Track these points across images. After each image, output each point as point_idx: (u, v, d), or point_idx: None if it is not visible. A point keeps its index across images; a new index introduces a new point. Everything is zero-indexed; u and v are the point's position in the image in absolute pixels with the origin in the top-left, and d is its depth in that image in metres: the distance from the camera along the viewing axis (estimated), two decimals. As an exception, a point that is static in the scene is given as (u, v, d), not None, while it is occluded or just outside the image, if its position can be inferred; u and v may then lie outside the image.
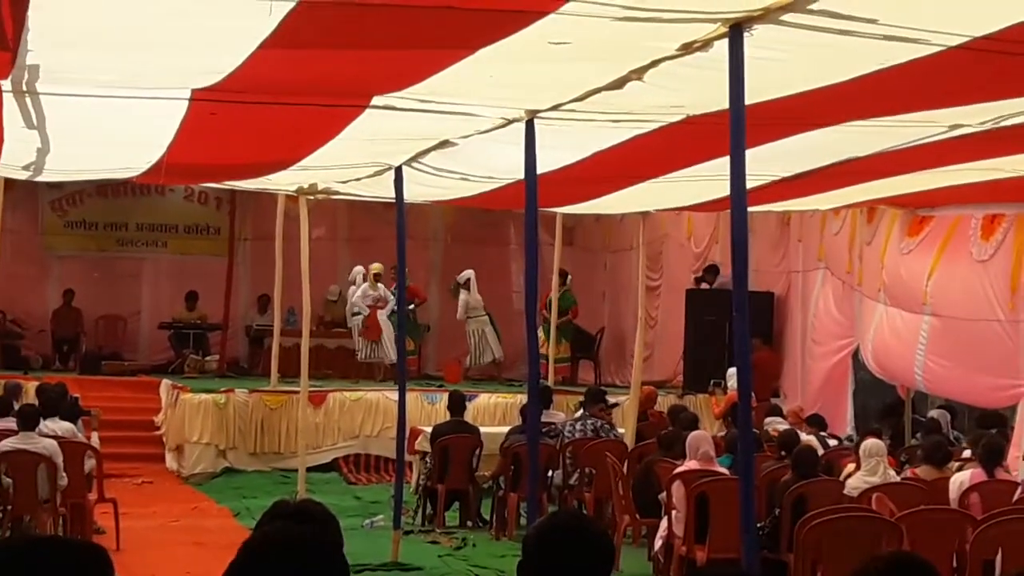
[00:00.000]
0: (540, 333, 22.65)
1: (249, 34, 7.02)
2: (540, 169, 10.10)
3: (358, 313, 23.66)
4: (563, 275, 23.72)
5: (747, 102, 7.03)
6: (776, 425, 15.45)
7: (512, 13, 6.55)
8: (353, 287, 23.89)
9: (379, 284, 23.39)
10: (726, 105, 7.08)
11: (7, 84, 8.52)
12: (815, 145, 10.84)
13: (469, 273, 24.56)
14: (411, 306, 24.00)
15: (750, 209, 10.84)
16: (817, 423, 15.79)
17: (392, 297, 22.79)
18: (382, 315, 23.24)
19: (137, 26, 7.16)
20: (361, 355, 23.65)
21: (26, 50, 7.43)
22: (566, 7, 6.28)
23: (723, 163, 7.49)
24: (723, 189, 7.72)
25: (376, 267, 23.32)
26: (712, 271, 22.09)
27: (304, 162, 12.05)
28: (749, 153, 7.27)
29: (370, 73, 8.18)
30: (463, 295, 24.46)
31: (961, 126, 9.47)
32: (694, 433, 12.92)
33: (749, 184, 7.53)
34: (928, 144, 10.45)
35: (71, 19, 6.91)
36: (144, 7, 6.74)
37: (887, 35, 6.54)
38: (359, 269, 24.02)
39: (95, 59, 8.06)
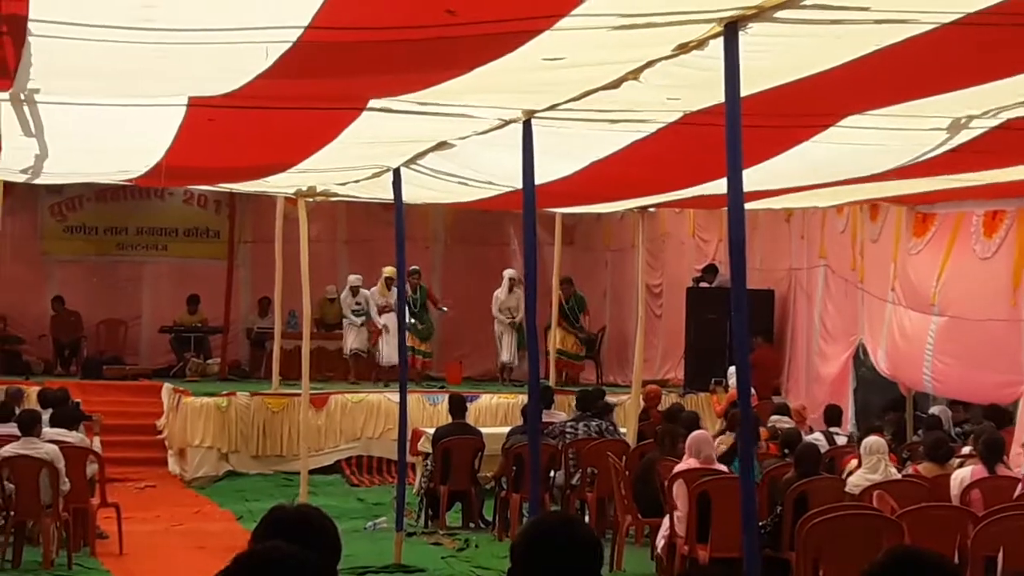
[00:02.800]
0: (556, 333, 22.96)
1: (245, 70, 7.07)
2: (538, 180, 10.10)
3: (361, 314, 23.70)
4: (569, 280, 23.73)
5: (743, 94, 7.04)
6: (782, 424, 15.45)
7: (507, 35, 6.55)
8: (362, 289, 23.83)
9: (394, 288, 23.21)
10: (722, 99, 7.08)
11: (4, 95, 8.54)
12: (816, 166, 10.88)
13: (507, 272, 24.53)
14: (444, 309, 24.10)
15: (750, 206, 10.93)
16: (832, 418, 15.77)
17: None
18: (388, 318, 23.13)
19: (134, 69, 7.23)
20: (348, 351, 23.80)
21: (27, 78, 7.47)
22: (561, 23, 6.30)
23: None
24: (723, 186, 7.73)
25: (388, 270, 23.16)
26: (711, 270, 22.13)
27: (302, 165, 12.07)
28: (748, 176, 7.27)
29: (366, 85, 8.21)
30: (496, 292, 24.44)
31: (963, 120, 9.45)
32: (695, 433, 12.91)
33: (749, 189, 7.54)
34: (931, 160, 10.49)
35: (71, 58, 6.96)
36: (142, 52, 6.77)
37: (879, 19, 6.54)
38: (356, 277, 24.02)
39: (93, 86, 8.13)
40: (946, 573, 3.99)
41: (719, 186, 10.16)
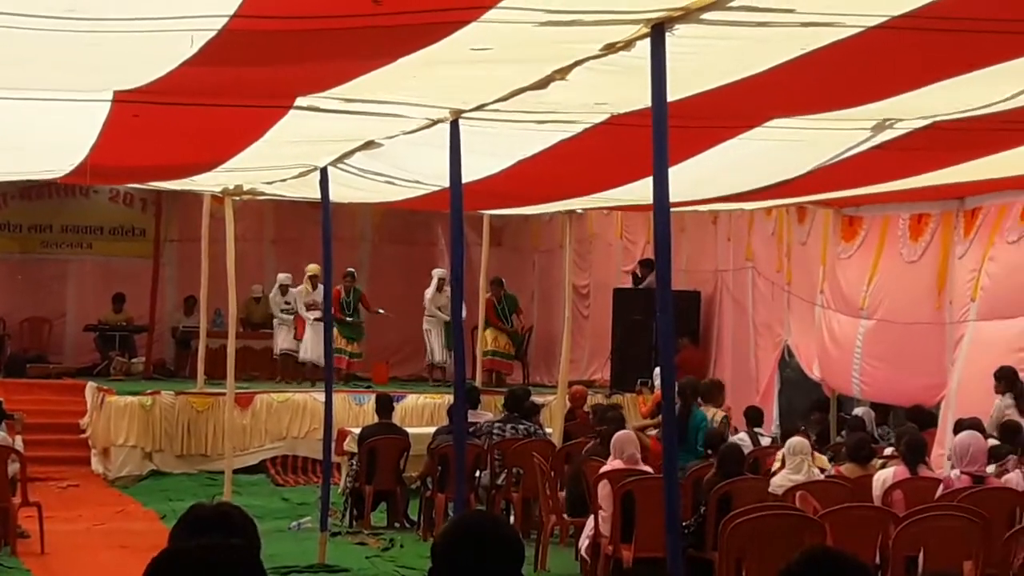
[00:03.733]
0: (488, 334, 22.95)
1: (169, 57, 7.03)
2: (466, 177, 10.11)
3: (290, 313, 23.60)
4: (500, 281, 23.73)
5: (670, 98, 7.06)
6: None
7: (433, 25, 6.56)
8: (290, 288, 23.72)
9: (319, 286, 23.06)
10: (648, 101, 7.10)
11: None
12: (742, 163, 10.92)
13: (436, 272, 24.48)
14: (381, 311, 23.99)
15: (676, 209, 10.97)
16: (753, 419, 15.85)
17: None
18: (312, 314, 23.03)
19: (58, 58, 7.17)
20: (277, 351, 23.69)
21: None
22: (487, 15, 6.30)
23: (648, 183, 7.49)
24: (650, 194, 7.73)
25: (312, 268, 23.07)
26: (648, 265, 21.93)
27: (229, 163, 12.01)
28: (674, 176, 7.29)
29: (293, 77, 8.19)
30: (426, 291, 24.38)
31: (888, 121, 9.53)
32: (619, 434, 12.92)
33: (676, 199, 7.56)
34: (857, 156, 10.55)
35: None
36: (66, 40, 6.72)
37: (805, 22, 6.58)
38: (285, 276, 23.91)
39: (16, 77, 8.06)
40: (859, 572, 4.04)
41: (645, 187, 10.21)
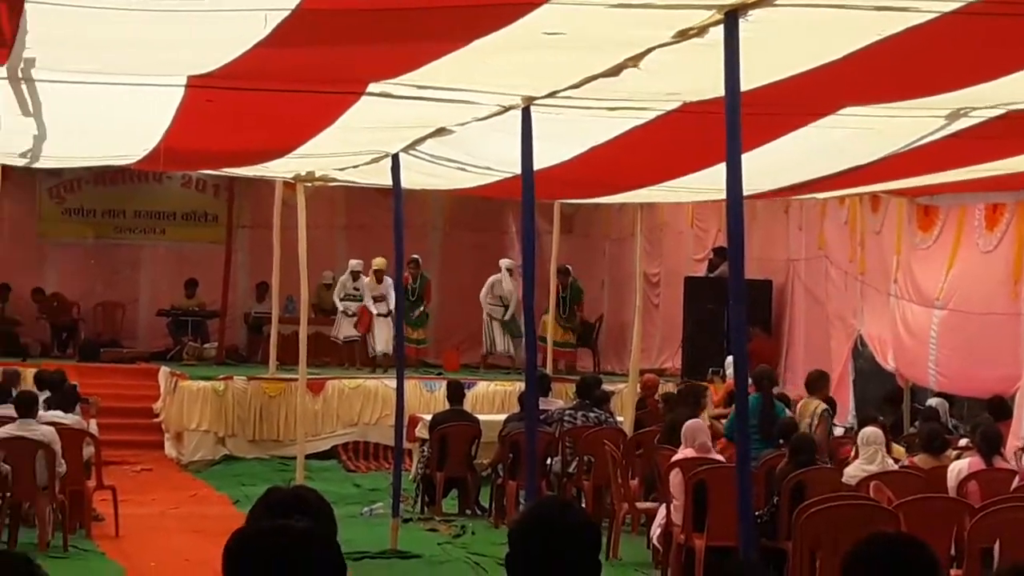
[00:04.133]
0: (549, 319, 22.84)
1: (243, 38, 7.07)
2: (538, 165, 10.10)
3: (357, 300, 23.62)
4: (566, 270, 23.69)
5: (743, 87, 7.03)
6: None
7: (505, 6, 6.55)
8: (362, 276, 23.73)
9: (384, 279, 23.12)
10: (723, 91, 7.08)
11: (2, 71, 8.54)
12: (814, 150, 10.85)
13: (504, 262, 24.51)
14: (421, 308, 23.97)
15: (748, 198, 10.91)
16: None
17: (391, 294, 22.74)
18: (380, 307, 23.07)
19: (132, 38, 7.22)
20: (340, 335, 23.77)
21: (23, 47, 7.47)
22: None
23: (722, 169, 7.46)
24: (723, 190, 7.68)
25: (378, 262, 23.13)
26: (721, 253, 21.83)
27: (301, 149, 12.05)
28: (746, 163, 7.26)
29: (365, 62, 8.20)
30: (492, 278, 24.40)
31: (963, 110, 9.44)
32: (690, 422, 12.89)
33: (749, 191, 7.52)
34: (930, 144, 10.45)
35: (68, 27, 6.96)
36: (139, 19, 6.77)
37: (879, 5, 6.49)
38: (357, 262, 23.91)
39: (90, 56, 8.12)
40: (923, 555, 4.03)
41: (713, 176, 10.19)
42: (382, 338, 22.95)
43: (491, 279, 24.32)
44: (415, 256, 23.36)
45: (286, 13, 6.49)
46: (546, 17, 6.61)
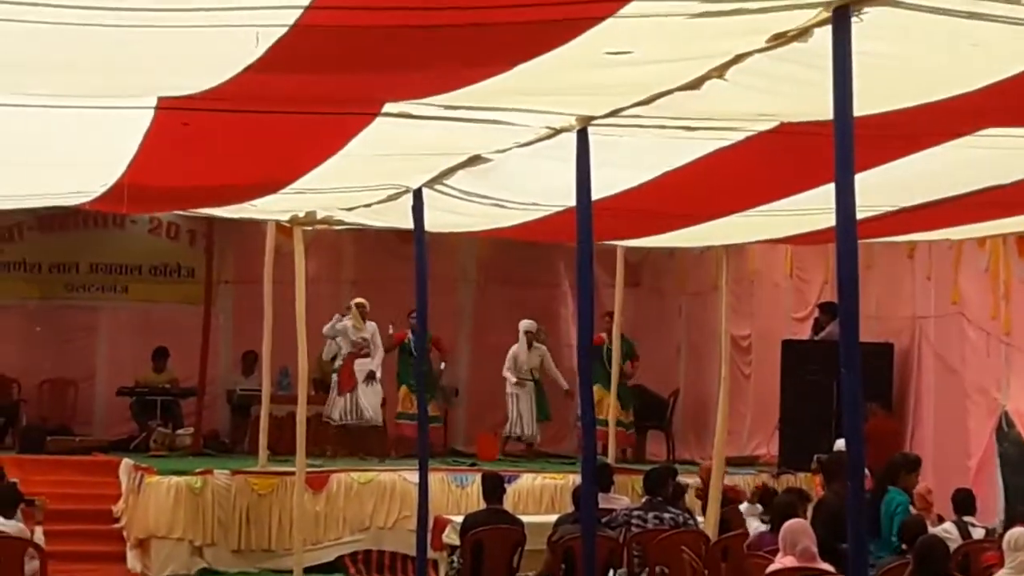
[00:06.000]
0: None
1: (230, 62, 7.12)
2: (596, 194, 10.12)
3: (334, 357, 23.58)
4: (609, 315, 23.59)
5: (857, 113, 7.04)
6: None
7: (559, 22, 6.57)
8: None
9: (367, 323, 23.09)
10: (828, 112, 7.09)
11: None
12: (942, 169, 10.84)
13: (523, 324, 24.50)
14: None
15: (864, 241, 10.92)
16: (963, 504, 15.70)
17: (380, 344, 22.75)
18: (364, 364, 23.04)
19: (96, 59, 7.29)
20: (334, 415, 23.54)
21: None
22: (627, 8, 6.31)
23: (827, 191, 7.48)
24: (828, 218, 7.70)
25: (360, 300, 23.21)
26: (829, 310, 21.69)
27: (299, 183, 12.11)
28: (859, 178, 7.27)
29: (380, 81, 8.24)
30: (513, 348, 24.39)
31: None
32: (790, 523, 12.83)
33: (861, 215, 7.51)
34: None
35: (18, 46, 7.04)
36: (104, 38, 6.83)
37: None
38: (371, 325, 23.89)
39: (42, 81, 8.20)
40: None
41: (826, 216, 10.17)
42: (368, 403, 22.92)
43: (512, 349, 24.31)
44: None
45: (282, 31, 6.53)
46: (609, 32, 6.64)
